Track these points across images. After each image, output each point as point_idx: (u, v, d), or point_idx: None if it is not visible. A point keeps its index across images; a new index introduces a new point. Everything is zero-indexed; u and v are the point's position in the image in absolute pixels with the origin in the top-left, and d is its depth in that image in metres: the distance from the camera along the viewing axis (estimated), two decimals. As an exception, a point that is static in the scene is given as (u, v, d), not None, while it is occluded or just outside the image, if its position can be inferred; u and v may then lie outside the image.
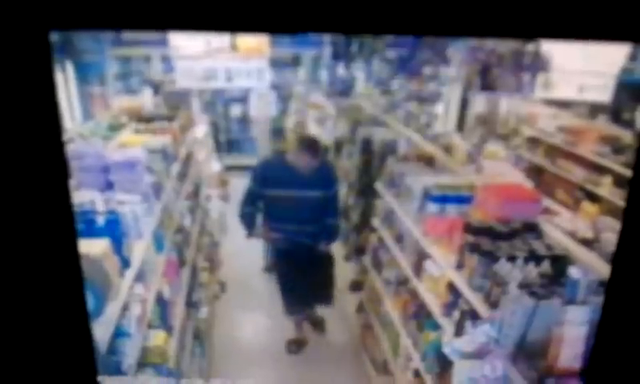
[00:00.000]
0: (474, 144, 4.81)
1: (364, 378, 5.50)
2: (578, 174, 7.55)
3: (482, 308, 3.27)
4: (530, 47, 4.28)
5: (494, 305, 3.16)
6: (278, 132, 9.53)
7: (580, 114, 7.69)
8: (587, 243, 3.48)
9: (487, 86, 4.89)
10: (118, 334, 3.04)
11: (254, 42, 5.41)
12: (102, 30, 4.34)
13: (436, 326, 3.99)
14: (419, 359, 4.17)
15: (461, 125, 6.43)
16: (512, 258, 3.26)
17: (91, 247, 2.88)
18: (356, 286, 6.66)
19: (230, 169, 9.63)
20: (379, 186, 5.55)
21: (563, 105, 7.64)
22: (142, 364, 3.43)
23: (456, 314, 3.62)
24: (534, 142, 8.37)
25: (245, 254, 7.57)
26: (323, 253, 5.73)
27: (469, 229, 3.68)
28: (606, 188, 7.01)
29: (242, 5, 1.45)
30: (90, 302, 2.02)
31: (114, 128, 5.21)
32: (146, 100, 6.53)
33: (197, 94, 8.21)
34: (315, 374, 5.56)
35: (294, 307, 5.96)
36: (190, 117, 7.02)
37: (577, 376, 2.75)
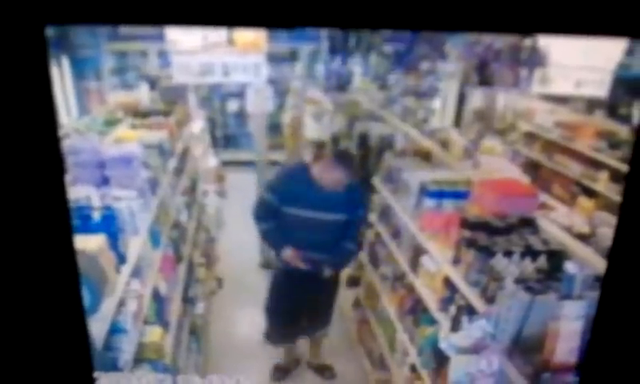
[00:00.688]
0: (471, 139, 4.82)
1: (361, 373, 5.51)
2: (574, 169, 7.56)
3: (478, 303, 3.28)
4: (528, 42, 4.29)
5: (490, 300, 3.17)
6: (274, 127, 9.54)
7: (577, 109, 7.70)
8: (583, 238, 3.49)
9: (484, 81, 4.89)
10: (114, 330, 3.04)
11: (251, 37, 5.39)
12: (99, 25, 4.33)
13: (432, 321, 3.99)
14: (416, 354, 4.18)
15: (458, 120, 6.44)
16: (508, 253, 3.26)
17: (87, 243, 2.88)
18: (353, 282, 6.66)
19: (226, 164, 9.65)
20: (376, 181, 5.55)
21: (560, 100, 7.65)
22: (138, 360, 3.43)
23: (452, 309, 3.63)
24: (530, 137, 8.39)
25: (241, 250, 7.58)
26: (332, 279, 5.01)
27: (465, 224, 3.68)
28: (602, 183, 7.02)
29: None
30: (86, 298, 2.02)
31: (110, 123, 5.20)
32: (143, 95, 6.52)
33: (193, 89, 8.20)
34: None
35: (283, 338, 5.36)
36: (186, 112, 7.02)
37: (573, 370, 2.75)
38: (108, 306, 2.93)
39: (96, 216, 3.28)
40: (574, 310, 2.72)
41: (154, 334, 3.70)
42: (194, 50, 5.26)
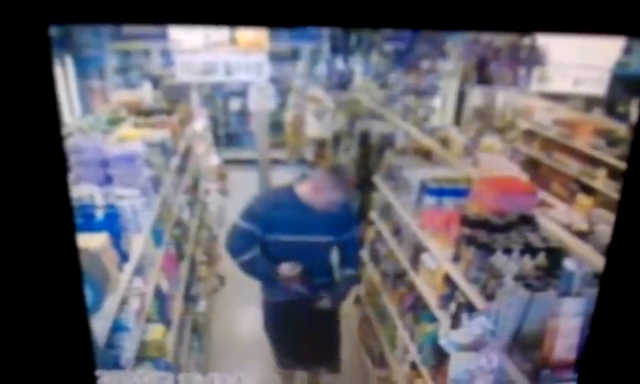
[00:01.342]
0: (471, 137, 4.83)
1: (361, 371, 5.52)
2: (573, 166, 7.56)
3: (478, 300, 3.29)
4: (527, 41, 4.30)
5: (489, 297, 3.18)
6: (276, 126, 9.54)
7: (575, 107, 7.70)
8: (582, 235, 3.50)
9: (484, 79, 4.90)
10: (117, 328, 3.06)
11: (253, 36, 5.40)
12: (102, 24, 4.34)
13: (432, 319, 4.00)
14: (416, 351, 4.20)
15: (458, 118, 6.45)
16: (508, 251, 3.28)
17: (90, 241, 2.90)
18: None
19: (228, 162, 9.65)
20: (377, 179, 5.56)
21: (559, 98, 7.65)
22: (141, 358, 3.45)
23: (452, 307, 3.64)
24: (529, 135, 8.39)
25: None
26: (331, 312, 4.43)
27: (465, 221, 3.70)
28: (600, 181, 7.02)
29: None
30: (89, 296, 2.04)
31: (113, 122, 5.22)
32: (146, 94, 6.53)
33: (196, 87, 8.21)
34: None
35: (291, 364, 4.77)
36: (189, 111, 7.03)
37: (572, 367, 2.77)
38: (110, 304, 2.95)
39: (99, 214, 3.30)
40: (572, 307, 2.74)
41: (156, 332, 3.72)
42: (196, 49, 5.27)
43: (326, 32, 9.53)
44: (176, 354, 4.18)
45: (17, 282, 1.70)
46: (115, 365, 2.96)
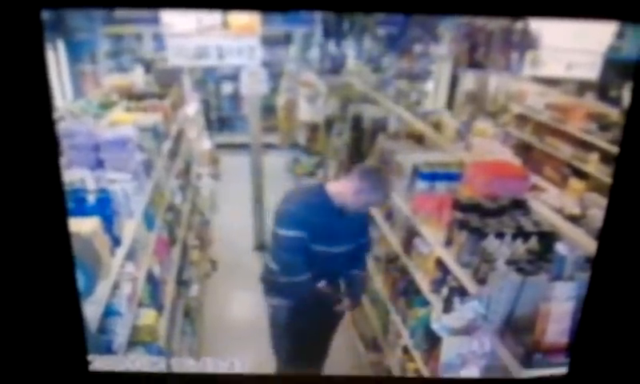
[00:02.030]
0: (464, 121, 4.83)
1: (353, 355, 5.53)
2: (565, 150, 7.56)
3: (470, 284, 3.30)
4: (519, 25, 4.29)
5: (482, 281, 3.20)
6: (269, 110, 9.51)
7: (568, 91, 7.69)
8: (574, 220, 3.51)
9: (476, 63, 4.89)
10: (109, 312, 3.07)
11: (246, 20, 5.37)
12: (94, 8, 4.32)
13: (425, 303, 4.02)
14: (408, 336, 4.21)
15: (450, 102, 6.44)
16: (500, 235, 3.29)
17: (82, 226, 2.89)
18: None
19: (220, 147, 9.63)
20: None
21: (551, 82, 7.64)
22: (133, 343, 3.45)
23: (444, 291, 3.65)
24: (522, 119, 8.37)
25: (236, 233, 7.58)
26: (342, 313, 4.34)
27: (458, 206, 3.70)
28: (592, 165, 7.03)
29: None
30: (81, 281, 2.04)
31: (105, 106, 5.19)
32: (137, 78, 6.50)
33: (188, 71, 8.18)
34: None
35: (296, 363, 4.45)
36: (181, 94, 7.00)
37: (563, 351, 2.78)
38: (102, 289, 2.95)
39: (91, 199, 3.29)
40: (564, 291, 2.75)
41: (148, 316, 3.72)
42: (188, 33, 5.24)
43: (318, 16, 9.49)
44: (168, 338, 4.18)
45: (8, 266, 1.70)
46: (107, 349, 2.96)
